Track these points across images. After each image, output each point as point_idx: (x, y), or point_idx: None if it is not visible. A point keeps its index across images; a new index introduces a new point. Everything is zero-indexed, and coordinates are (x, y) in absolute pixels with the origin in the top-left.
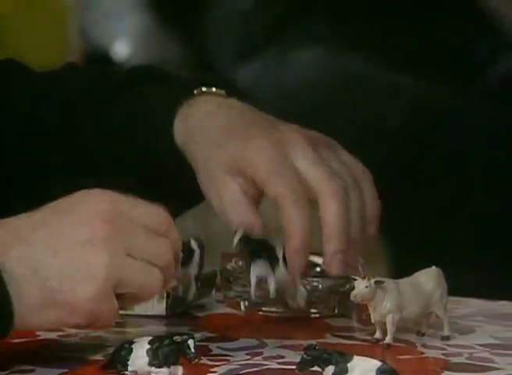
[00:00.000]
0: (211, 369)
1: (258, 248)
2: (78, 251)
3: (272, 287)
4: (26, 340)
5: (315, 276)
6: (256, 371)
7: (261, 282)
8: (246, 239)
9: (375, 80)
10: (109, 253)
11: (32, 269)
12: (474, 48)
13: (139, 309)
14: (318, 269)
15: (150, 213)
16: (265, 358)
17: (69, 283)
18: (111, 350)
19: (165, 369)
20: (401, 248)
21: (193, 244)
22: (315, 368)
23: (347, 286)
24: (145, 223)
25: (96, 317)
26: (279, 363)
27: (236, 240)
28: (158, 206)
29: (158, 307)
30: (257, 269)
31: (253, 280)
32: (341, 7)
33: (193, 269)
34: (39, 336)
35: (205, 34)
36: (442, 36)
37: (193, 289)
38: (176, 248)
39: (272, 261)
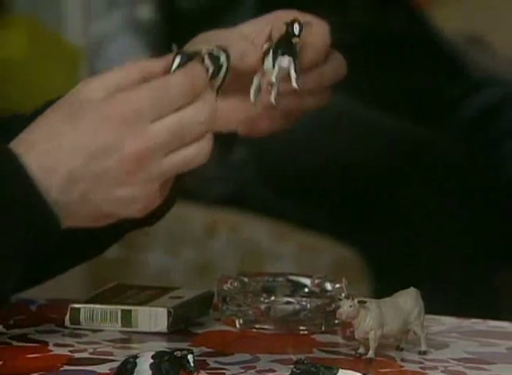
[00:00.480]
0: None
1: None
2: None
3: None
4: (38, 355)
5: (303, 296)
6: None
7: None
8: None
9: (354, 117)
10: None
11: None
12: (445, 89)
13: (143, 327)
14: (306, 289)
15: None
16: (258, 372)
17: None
18: (117, 364)
19: None
20: (382, 271)
21: (222, 58)
22: None
23: (333, 305)
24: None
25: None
26: None
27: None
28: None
29: (160, 325)
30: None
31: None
32: None
33: (218, 81)
34: (51, 351)
35: None
36: (417, 78)
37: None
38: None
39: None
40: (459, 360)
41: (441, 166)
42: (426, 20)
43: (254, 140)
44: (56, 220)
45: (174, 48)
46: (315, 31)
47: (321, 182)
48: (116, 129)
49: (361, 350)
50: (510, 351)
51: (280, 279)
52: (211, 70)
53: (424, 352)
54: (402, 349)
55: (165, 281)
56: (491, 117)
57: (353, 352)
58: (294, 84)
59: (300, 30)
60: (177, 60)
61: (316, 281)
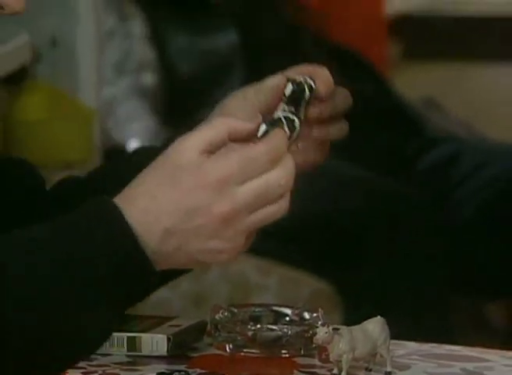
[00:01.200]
0: None
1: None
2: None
3: None
4: None
5: (285, 324)
6: None
7: None
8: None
9: (330, 170)
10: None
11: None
12: (407, 145)
13: (146, 351)
14: (288, 318)
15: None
16: None
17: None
18: None
19: None
20: (353, 302)
21: (296, 122)
22: None
23: (311, 332)
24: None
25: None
26: None
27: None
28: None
29: (161, 349)
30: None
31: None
32: None
33: (292, 142)
34: (67, 373)
35: None
36: (384, 136)
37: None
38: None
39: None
40: None
41: (404, 210)
42: (390, 87)
43: None
44: (153, 266)
45: (261, 118)
46: (321, 78)
47: (301, 226)
48: (208, 192)
49: (335, 371)
50: (463, 372)
51: (265, 309)
52: (288, 134)
53: (390, 373)
54: (370, 370)
55: (165, 310)
56: (446, 168)
57: (328, 373)
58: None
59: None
60: (263, 128)
61: (296, 311)
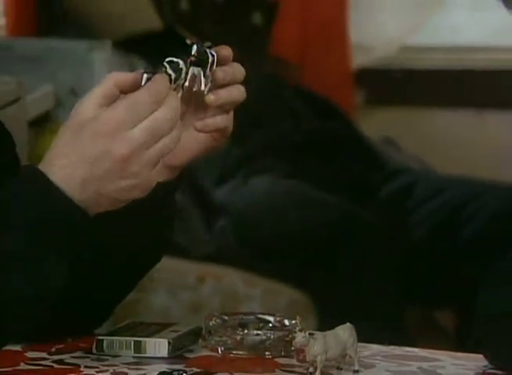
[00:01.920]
0: None
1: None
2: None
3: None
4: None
5: (268, 330)
6: None
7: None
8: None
9: (304, 196)
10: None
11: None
12: (370, 177)
13: (150, 353)
14: (271, 324)
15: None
16: None
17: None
18: None
19: None
20: (326, 310)
21: (181, 63)
22: None
23: (290, 336)
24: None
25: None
26: None
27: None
28: None
29: (162, 351)
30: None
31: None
32: (282, 154)
33: (181, 81)
34: (82, 372)
35: (196, 164)
36: (350, 168)
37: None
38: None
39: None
40: None
41: (368, 231)
42: (355, 127)
43: (233, 212)
44: (84, 211)
45: (142, 69)
46: (222, 55)
47: (281, 244)
48: (105, 139)
49: (311, 369)
50: (419, 370)
51: (251, 317)
52: (174, 76)
53: (357, 371)
54: (341, 369)
55: (166, 317)
56: (404, 195)
57: (305, 371)
58: (203, 87)
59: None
60: (144, 76)
61: (278, 318)
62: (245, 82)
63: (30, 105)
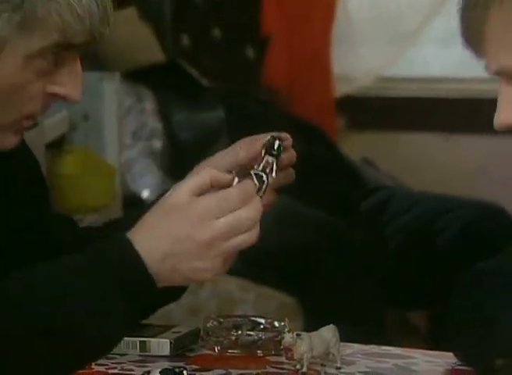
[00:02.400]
0: None
1: None
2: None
3: None
4: (84, 371)
5: (260, 331)
6: None
7: None
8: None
9: (292, 211)
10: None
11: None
12: (350, 192)
13: (154, 352)
14: (262, 326)
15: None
16: None
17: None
18: None
19: None
20: (312, 313)
21: (264, 177)
22: None
23: (279, 336)
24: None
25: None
26: None
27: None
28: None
29: (165, 350)
30: None
31: None
32: None
33: (261, 192)
34: (93, 369)
35: None
36: (333, 185)
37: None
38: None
39: None
40: (362, 372)
41: (350, 241)
42: (337, 149)
43: None
44: (154, 282)
45: (234, 172)
46: (286, 144)
47: (270, 255)
48: (192, 223)
49: (298, 366)
50: (395, 366)
51: (245, 319)
52: (257, 185)
53: (340, 367)
54: (325, 365)
55: (168, 320)
56: (381, 209)
57: (293, 368)
58: (274, 175)
59: (279, 145)
60: (236, 180)
61: (268, 320)
62: (241, 107)
63: (47, 130)
